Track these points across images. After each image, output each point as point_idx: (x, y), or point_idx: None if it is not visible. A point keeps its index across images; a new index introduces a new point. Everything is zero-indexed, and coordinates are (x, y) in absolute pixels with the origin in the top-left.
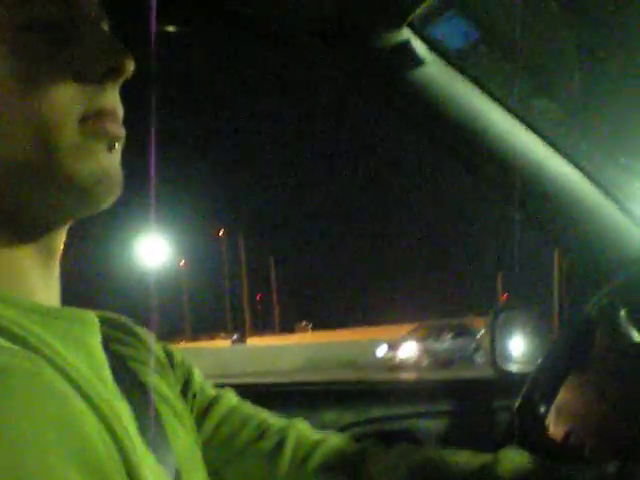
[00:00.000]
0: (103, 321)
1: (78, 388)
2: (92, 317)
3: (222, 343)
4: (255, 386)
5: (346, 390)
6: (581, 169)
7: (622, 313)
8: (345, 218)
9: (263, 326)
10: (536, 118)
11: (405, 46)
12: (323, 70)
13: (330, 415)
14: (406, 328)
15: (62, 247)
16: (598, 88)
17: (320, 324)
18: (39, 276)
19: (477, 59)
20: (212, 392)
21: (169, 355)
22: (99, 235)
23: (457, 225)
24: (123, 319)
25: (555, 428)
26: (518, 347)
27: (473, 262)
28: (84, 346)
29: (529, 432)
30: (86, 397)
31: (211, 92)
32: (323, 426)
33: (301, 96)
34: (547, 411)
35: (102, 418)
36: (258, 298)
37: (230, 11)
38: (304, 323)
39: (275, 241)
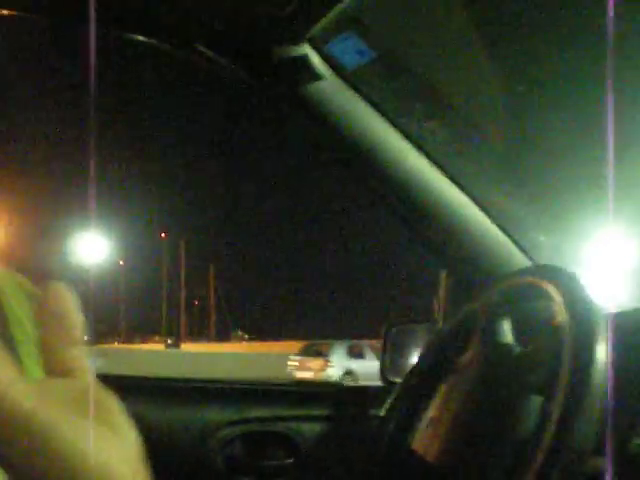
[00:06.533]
0: None
1: None
2: None
3: (156, 347)
4: (139, 379)
5: (229, 389)
6: (467, 193)
7: (503, 323)
8: (290, 234)
9: (198, 333)
10: (427, 140)
11: (304, 61)
12: (224, 82)
13: (211, 412)
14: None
15: None
16: (489, 115)
17: (257, 335)
18: None
19: (373, 78)
20: None
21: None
22: (39, 230)
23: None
24: None
25: (425, 433)
26: (410, 361)
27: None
28: None
29: (393, 438)
30: None
31: (159, 97)
32: (204, 422)
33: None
34: (412, 417)
35: None
36: (196, 303)
37: (132, 16)
38: (240, 332)
39: (217, 249)
